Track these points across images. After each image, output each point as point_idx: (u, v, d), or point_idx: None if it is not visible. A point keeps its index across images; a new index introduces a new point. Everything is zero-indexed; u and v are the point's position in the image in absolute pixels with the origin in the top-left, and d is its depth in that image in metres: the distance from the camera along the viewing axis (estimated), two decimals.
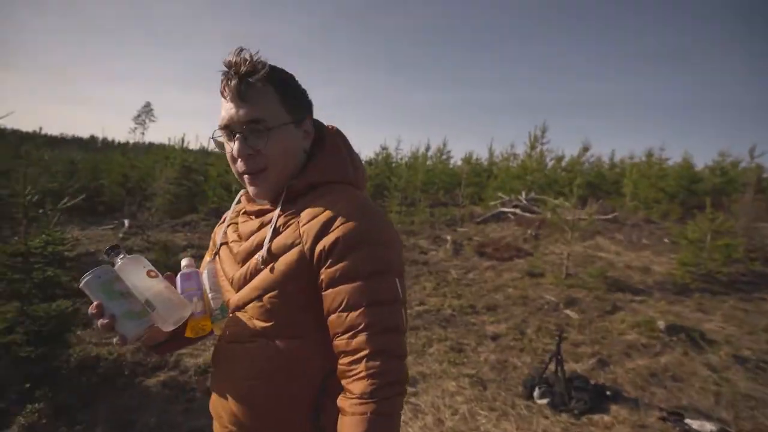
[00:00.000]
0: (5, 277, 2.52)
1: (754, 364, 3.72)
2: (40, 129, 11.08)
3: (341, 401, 0.70)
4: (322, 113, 0.88)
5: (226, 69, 0.76)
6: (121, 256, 0.76)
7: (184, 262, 0.85)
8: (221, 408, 0.81)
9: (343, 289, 0.70)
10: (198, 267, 0.88)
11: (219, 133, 0.80)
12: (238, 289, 0.80)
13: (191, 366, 3.05)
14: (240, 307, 0.79)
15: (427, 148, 13.40)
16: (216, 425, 0.84)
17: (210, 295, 0.83)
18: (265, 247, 0.76)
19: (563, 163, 12.22)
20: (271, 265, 0.75)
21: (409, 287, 5.27)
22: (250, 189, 0.81)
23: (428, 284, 5.41)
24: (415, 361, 3.39)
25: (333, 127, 0.89)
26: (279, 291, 0.74)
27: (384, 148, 13.95)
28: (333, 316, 0.72)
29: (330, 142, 0.85)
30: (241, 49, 0.75)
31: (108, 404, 2.52)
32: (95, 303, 0.71)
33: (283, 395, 0.76)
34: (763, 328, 4.41)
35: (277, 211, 0.78)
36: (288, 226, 0.77)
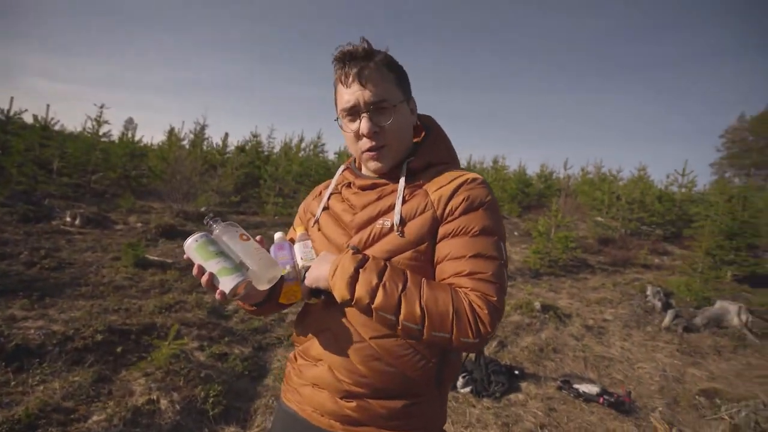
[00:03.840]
0: None
1: (597, 330, 4.56)
2: None
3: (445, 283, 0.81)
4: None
5: (341, 58, 0.87)
6: (219, 222, 0.85)
7: (277, 236, 0.95)
8: (341, 370, 0.85)
9: (456, 241, 0.81)
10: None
11: (342, 116, 0.90)
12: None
13: None
14: None
15: (301, 139, 12.82)
16: (327, 384, 0.87)
17: (300, 264, 0.89)
18: (397, 215, 0.85)
19: None
20: (401, 229, 0.84)
21: None
22: (371, 164, 0.90)
23: None
24: None
25: (430, 116, 1.02)
26: (413, 251, 0.83)
27: (255, 136, 12.80)
28: (441, 264, 0.82)
29: (436, 128, 0.98)
30: (349, 43, 0.87)
31: None
32: (196, 264, 0.79)
33: (414, 350, 0.82)
34: (595, 301, 5.49)
35: (403, 183, 0.88)
36: (414, 196, 0.87)
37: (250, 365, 2.88)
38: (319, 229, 0.97)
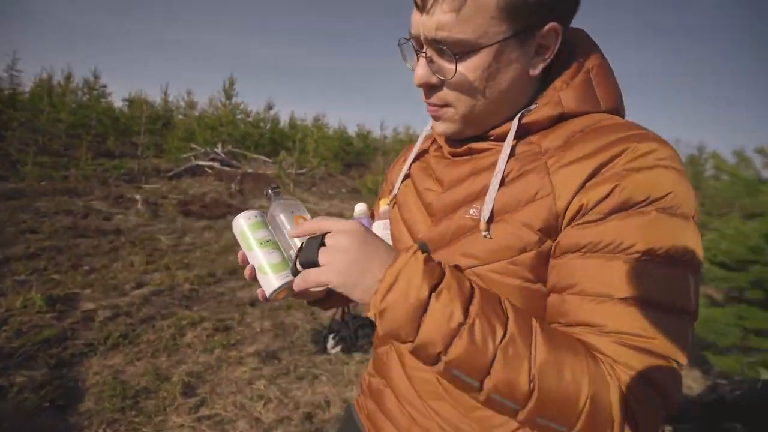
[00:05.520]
0: None
1: None
2: None
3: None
4: None
5: None
6: (280, 197, 0.67)
7: (358, 208, 0.83)
8: (404, 401, 0.62)
9: (594, 264, 0.46)
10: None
11: (406, 41, 0.56)
12: (433, 251, 0.58)
13: None
14: None
15: (69, 77, 9.65)
16: (390, 412, 0.65)
17: None
18: (487, 206, 0.52)
19: (250, 118, 12.10)
20: (494, 228, 0.52)
21: (108, 266, 3.78)
22: (434, 125, 0.61)
23: (136, 258, 4.07)
24: (174, 360, 2.51)
25: (580, 30, 0.60)
26: (508, 263, 0.52)
27: None
28: (561, 296, 0.48)
29: (585, 50, 0.57)
30: None
31: None
32: (241, 251, 0.64)
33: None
34: None
35: (507, 153, 0.54)
36: (524, 174, 0.52)
37: (51, 392, 2.09)
38: (397, 207, 0.70)
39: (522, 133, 0.55)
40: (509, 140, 0.54)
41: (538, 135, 0.55)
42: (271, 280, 0.61)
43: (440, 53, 0.53)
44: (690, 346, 0.45)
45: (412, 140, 12.16)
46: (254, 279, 0.63)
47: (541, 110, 0.54)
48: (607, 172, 0.47)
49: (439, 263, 0.49)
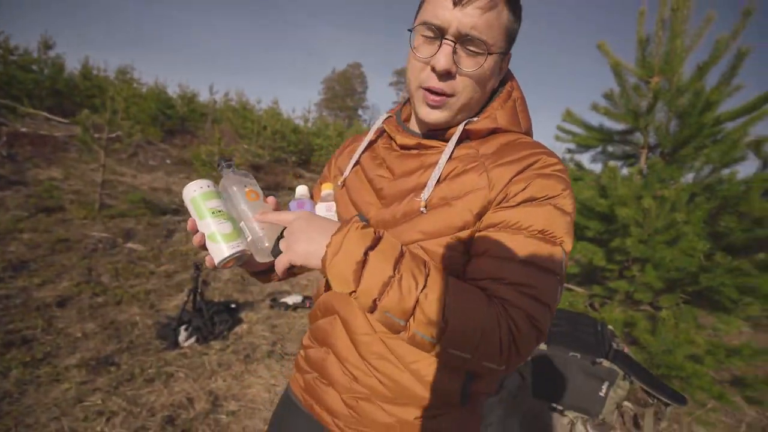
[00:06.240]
0: None
1: None
2: None
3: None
4: None
5: None
6: (232, 169, 0.70)
7: (299, 189, 0.81)
8: (347, 363, 0.72)
9: (505, 236, 0.61)
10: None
11: (420, 30, 0.65)
12: (387, 228, 0.70)
13: None
14: None
15: None
16: (332, 376, 0.74)
17: None
18: (428, 190, 0.66)
19: (14, 57, 8.87)
20: (438, 209, 0.66)
21: None
22: (424, 111, 0.69)
23: None
24: None
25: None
26: (452, 237, 0.65)
27: None
28: (478, 259, 0.63)
29: (511, 84, 0.74)
30: None
31: None
32: (191, 218, 0.67)
33: (429, 359, 0.68)
34: None
35: (451, 149, 0.68)
36: (467, 171, 0.67)
37: None
38: (346, 190, 0.79)
39: (463, 137, 0.70)
40: (453, 141, 0.68)
41: (476, 141, 0.70)
42: (222, 248, 0.65)
43: (468, 48, 0.63)
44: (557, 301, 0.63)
45: (276, 113, 11.36)
46: (203, 247, 0.65)
47: (482, 122, 0.69)
48: (525, 173, 0.63)
49: (375, 230, 0.59)
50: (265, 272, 0.82)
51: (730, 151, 2.17)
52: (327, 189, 0.82)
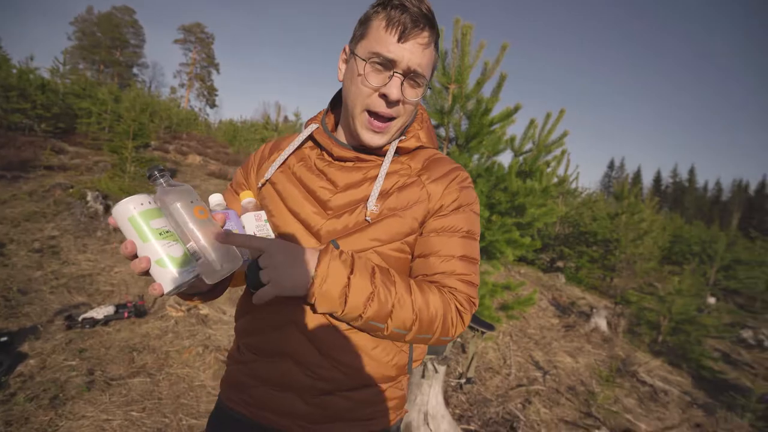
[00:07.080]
0: None
1: (50, 252, 4.00)
2: None
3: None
4: None
5: (407, 5, 0.73)
6: (170, 182, 0.63)
7: (213, 199, 0.77)
8: (310, 365, 0.77)
9: (445, 240, 0.79)
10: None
11: (369, 57, 0.75)
12: (340, 238, 0.77)
13: None
14: None
15: None
16: (292, 382, 0.77)
17: None
18: (372, 199, 0.77)
19: None
20: (389, 218, 0.77)
21: None
22: (367, 136, 0.79)
23: None
24: None
25: None
26: (402, 243, 0.78)
27: None
28: (426, 258, 0.79)
29: (421, 109, 0.90)
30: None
31: None
32: (128, 240, 0.59)
33: (384, 344, 0.80)
34: (24, 218, 4.55)
35: (386, 165, 0.80)
36: (408, 185, 0.80)
37: None
38: (280, 200, 0.83)
39: (395, 153, 0.84)
40: (389, 158, 0.82)
41: (405, 156, 0.85)
42: (173, 274, 0.59)
43: (413, 81, 0.77)
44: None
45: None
46: (143, 273, 0.59)
47: (410, 141, 0.86)
48: (452, 187, 0.82)
49: (349, 253, 0.71)
50: (204, 293, 0.78)
51: (496, 145, 3.02)
52: (247, 197, 0.82)
